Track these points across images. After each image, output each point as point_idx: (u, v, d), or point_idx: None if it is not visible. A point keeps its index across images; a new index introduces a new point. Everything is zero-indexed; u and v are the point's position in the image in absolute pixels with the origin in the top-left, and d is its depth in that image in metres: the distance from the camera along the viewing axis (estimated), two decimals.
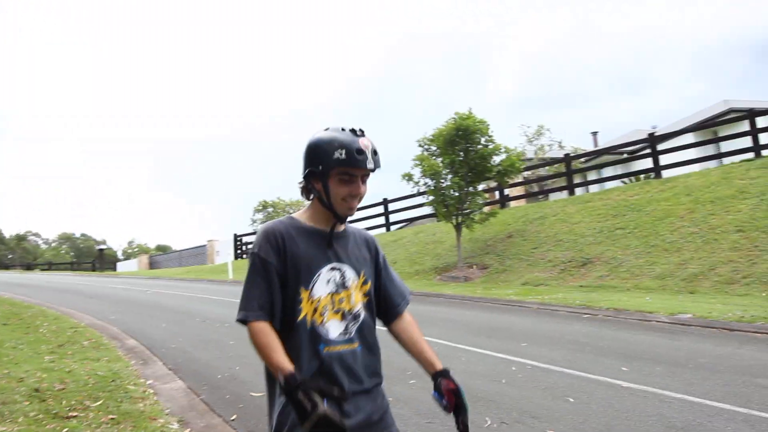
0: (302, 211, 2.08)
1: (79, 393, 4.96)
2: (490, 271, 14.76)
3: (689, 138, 17.65)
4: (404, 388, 5.22)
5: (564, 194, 19.53)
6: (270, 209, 40.05)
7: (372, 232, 23.96)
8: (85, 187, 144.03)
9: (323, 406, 1.63)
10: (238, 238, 33.97)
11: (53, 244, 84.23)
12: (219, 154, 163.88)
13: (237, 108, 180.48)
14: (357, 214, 24.36)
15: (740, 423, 4.09)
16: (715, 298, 9.33)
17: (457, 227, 15.69)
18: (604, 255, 12.86)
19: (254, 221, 40.32)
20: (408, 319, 2.22)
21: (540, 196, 22.32)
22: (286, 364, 1.77)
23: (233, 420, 4.48)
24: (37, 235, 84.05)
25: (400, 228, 24.78)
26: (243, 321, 1.87)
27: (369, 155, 1.91)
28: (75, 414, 4.39)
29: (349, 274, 2.03)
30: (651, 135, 17.11)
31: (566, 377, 5.45)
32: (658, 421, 4.19)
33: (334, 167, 1.89)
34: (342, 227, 2.09)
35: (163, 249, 71.82)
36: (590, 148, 30.99)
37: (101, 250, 50.18)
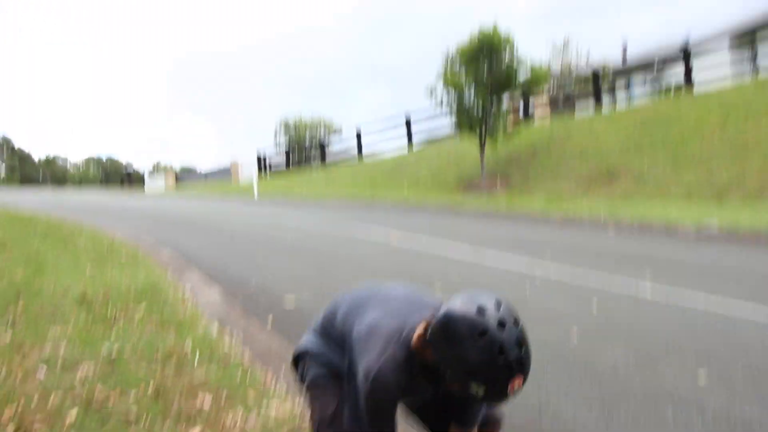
0: None
1: (122, 300, 5.26)
2: (513, 186, 14.81)
3: (724, 49, 16.94)
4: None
5: (591, 109, 19.15)
6: (292, 130, 40.00)
7: (395, 150, 23.99)
8: (108, 110, 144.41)
9: None
10: (262, 158, 34.20)
11: (81, 167, 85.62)
12: (237, 72, 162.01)
13: (249, 22, 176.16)
14: (380, 132, 24.33)
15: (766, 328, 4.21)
16: (744, 209, 9.28)
17: (481, 143, 15.61)
18: (630, 168, 12.78)
19: (278, 144, 40.35)
20: None
21: (566, 112, 21.93)
22: None
23: (269, 324, 4.76)
24: (65, 159, 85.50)
25: (424, 144, 24.70)
26: None
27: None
28: (121, 319, 4.68)
29: None
30: (684, 46, 16.46)
31: (590, 287, 5.60)
32: (680, 327, 4.34)
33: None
34: None
35: (188, 170, 72.72)
36: (619, 61, 29.99)
37: (129, 173, 50.89)
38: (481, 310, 1.59)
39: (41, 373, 3.45)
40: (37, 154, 79.00)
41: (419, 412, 2.06)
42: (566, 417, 2.97)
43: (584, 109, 20.01)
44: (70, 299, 5.25)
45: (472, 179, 16.39)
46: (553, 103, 22.01)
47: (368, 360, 1.74)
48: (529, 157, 16.03)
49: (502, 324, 1.58)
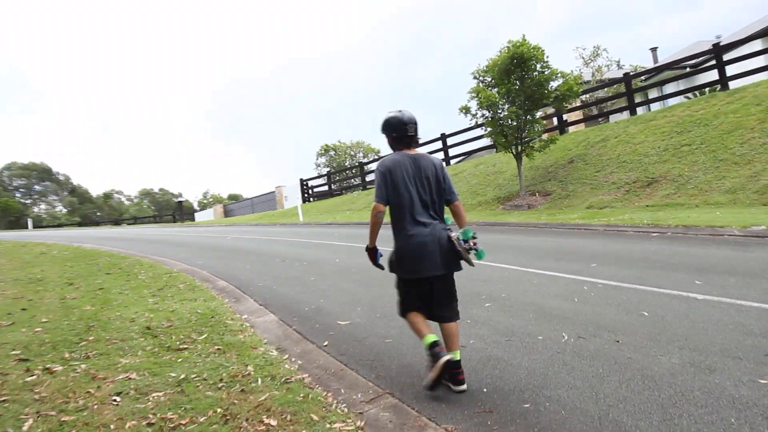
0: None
1: (184, 329, 5.48)
2: (553, 198, 14.72)
3: (757, 45, 16.65)
4: (481, 311, 5.49)
5: (625, 115, 18.94)
6: (332, 152, 40.60)
7: None
8: (159, 144, 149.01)
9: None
10: (305, 183, 34.73)
11: (135, 200, 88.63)
12: (273, 98, 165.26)
13: (281, 50, 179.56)
14: (418, 151, 24.41)
15: None
16: None
17: (517, 156, 15.61)
18: (670, 173, 12.58)
19: (318, 165, 41.05)
20: (455, 207, 3.90)
21: (600, 119, 21.73)
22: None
23: (326, 346, 4.88)
24: (120, 192, 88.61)
25: (460, 161, 24.75)
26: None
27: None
28: (185, 346, 4.88)
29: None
30: (715, 45, 16.20)
31: (638, 293, 5.58)
32: (735, 329, 4.29)
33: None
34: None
35: (234, 197, 74.48)
36: (650, 65, 29.59)
37: (180, 202, 52.67)
38: (398, 112, 3.87)
39: (116, 402, 3.65)
40: (95, 190, 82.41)
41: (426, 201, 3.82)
42: (627, 426, 2.98)
43: (618, 114, 19.79)
44: (136, 330, 5.50)
45: (511, 193, 16.36)
46: (587, 111, 21.84)
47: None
48: (567, 167, 15.93)
49: (400, 112, 3.85)
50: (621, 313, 4.98)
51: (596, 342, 4.31)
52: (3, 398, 3.77)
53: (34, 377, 4.19)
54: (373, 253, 4.00)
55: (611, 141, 15.71)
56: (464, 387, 3.63)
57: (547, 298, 5.74)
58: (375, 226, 3.84)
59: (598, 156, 15.39)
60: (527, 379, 3.73)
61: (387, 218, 3.79)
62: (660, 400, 3.26)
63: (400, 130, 3.79)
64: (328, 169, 40.30)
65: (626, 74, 17.69)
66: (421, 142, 21.99)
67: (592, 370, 3.78)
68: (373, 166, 31.80)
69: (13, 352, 4.91)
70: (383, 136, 3.92)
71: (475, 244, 3.71)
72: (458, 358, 3.68)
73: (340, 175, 37.49)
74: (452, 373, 3.62)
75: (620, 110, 18.73)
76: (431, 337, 3.61)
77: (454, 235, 3.75)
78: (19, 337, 5.42)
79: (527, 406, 3.35)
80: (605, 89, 22.80)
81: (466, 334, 4.81)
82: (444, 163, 3.73)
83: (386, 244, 4.04)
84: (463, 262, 3.83)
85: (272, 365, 4.31)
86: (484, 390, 3.63)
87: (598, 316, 4.98)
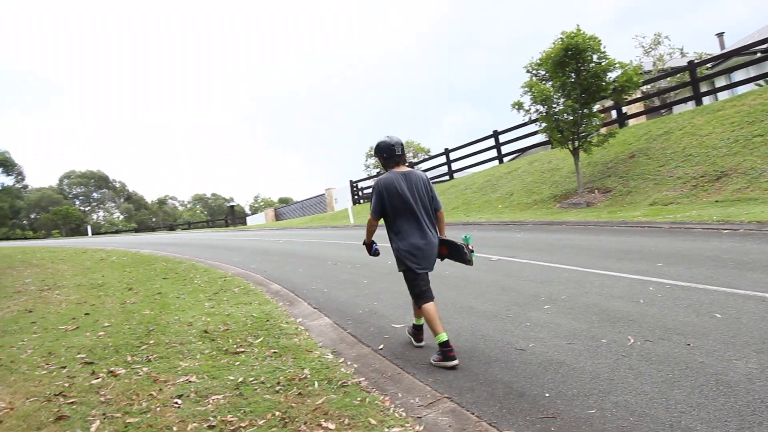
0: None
1: (240, 332, 5.56)
2: (613, 194, 14.23)
3: None
4: (540, 313, 5.33)
5: (690, 105, 18.14)
6: None
7: (484, 165, 23.73)
8: (211, 148, 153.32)
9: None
10: (354, 184, 34.93)
11: (188, 205, 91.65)
12: (322, 104, 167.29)
13: (327, 58, 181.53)
14: (469, 149, 24.22)
15: None
16: None
17: (574, 152, 15.17)
18: (740, 166, 11.94)
19: (367, 166, 41.25)
20: (440, 215, 4.69)
21: (663, 111, 20.90)
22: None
23: (381, 349, 4.83)
24: (174, 198, 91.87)
25: (513, 159, 24.32)
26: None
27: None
28: (242, 350, 4.93)
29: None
30: None
31: (710, 294, 5.29)
32: None
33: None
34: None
35: (285, 201, 75.95)
36: (716, 51, 28.30)
37: (231, 206, 53.82)
38: (387, 137, 4.61)
39: (177, 404, 3.71)
40: (149, 197, 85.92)
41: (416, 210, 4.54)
42: None
43: (682, 104, 18.96)
44: (194, 333, 5.61)
45: (569, 190, 15.93)
46: (648, 102, 21.06)
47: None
48: (628, 162, 15.37)
49: (389, 137, 4.60)
50: (691, 315, 4.72)
51: (665, 345, 4.10)
52: (71, 400, 3.90)
53: (99, 380, 4.33)
54: (369, 246, 4.89)
55: (676, 133, 15.05)
56: (456, 362, 4.20)
57: (610, 300, 5.51)
58: (370, 232, 4.79)
59: (661, 150, 14.78)
60: (591, 384, 3.58)
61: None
62: (737, 406, 3.06)
63: (389, 152, 4.59)
64: (378, 170, 40.37)
65: (690, 62, 16.91)
66: (471, 140, 21.58)
67: (662, 374, 3.59)
68: (423, 165, 31.74)
69: (79, 356, 5.09)
70: (376, 158, 4.94)
71: (472, 248, 4.60)
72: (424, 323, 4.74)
73: None
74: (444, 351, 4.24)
75: (684, 100, 17.91)
76: (444, 336, 4.25)
77: (460, 241, 4.60)
78: (84, 341, 5.62)
79: (593, 411, 3.20)
80: (668, 79, 21.89)
81: (525, 337, 4.67)
82: (429, 178, 4.72)
83: (384, 243, 4.91)
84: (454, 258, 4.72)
85: (328, 369, 4.30)
86: (546, 395, 3.50)
87: (666, 318, 4.74)
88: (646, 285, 5.90)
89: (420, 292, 4.48)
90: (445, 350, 4.20)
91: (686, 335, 4.25)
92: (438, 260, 4.67)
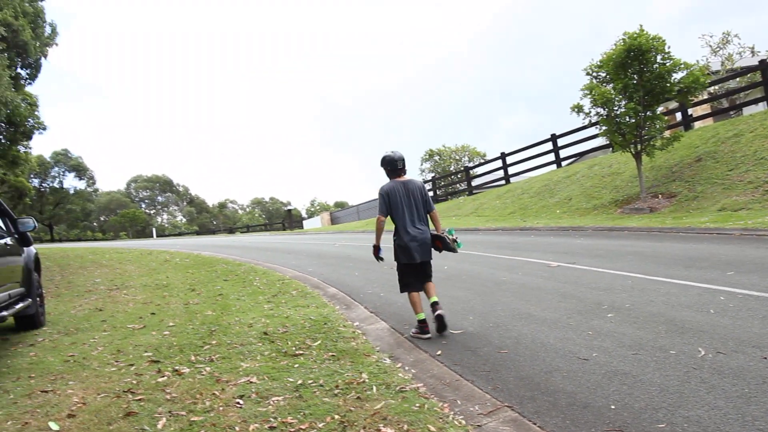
0: None
1: (299, 335, 5.63)
2: (678, 200, 13.70)
3: None
4: (603, 322, 5.17)
5: (761, 106, 17.26)
6: (437, 157, 40.54)
7: (542, 170, 23.33)
8: (269, 152, 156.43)
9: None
10: None
11: (248, 209, 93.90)
12: (379, 110, 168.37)
13: (385, 63, 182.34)
14: (526, 153, 23.87)
15: None
16: None
17: (637, 156, 14.69)
18: None
19: (422, 171, 41.13)
20: (433, 214, 5.78)
21: (732, 112, 19.95)
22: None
23: (439, 355, 4.79)
24: (234, 202, 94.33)
25: (572, 163, 23.77)
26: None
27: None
28: (301, 352, 5.00)
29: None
30: None
31: None
32: None
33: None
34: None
35: (341, 205, 76.77)
36: None
37: (289, 210, 54.76)
38: (392, 152, 5.75)
39: (239, 405, 3.79)
40: (210, 200, 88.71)
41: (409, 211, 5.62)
42: None
43: (753, 106, 18.06)
44: (254, 335, 5.73)
45: (630, 195, 15.44)
46: (716, 104, 20.18)
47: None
48: (694, 166, 14.76)
49: (393, 152, 5.73)
50: (767, 327, 4.48)
51: (739, 358, 3.89)
52: (139, 397, 4.04)
53: (165, 378, 4.47)
54: (376, 249, 5.83)
55: (746, 136, 14.36)
56: (430, 335, 5.33)
57: (677, 309, 5.29)
58: (379, 231, 5.81)
59: (730, 153, 14.13)
60: (660, 397, 3.43)
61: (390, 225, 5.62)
62: None
63: (392, 165, 5.71)
64: (433, 174, 40.17)
65: (762, 61, 16.07)
66: (530, 144, 21.25)
67: (736, 389, 3.41)
68: (479, 170, 31.54)
69: (146, 354, 5.28)
70: (381, 169, 5.80)
71: (456, 239, 5.74)
72: (437, 299, 5.49)
73: (445, 180, 37.18)
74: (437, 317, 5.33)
75: (756, 101, 17.07)
76: (422, 315, 5.42)
77: (444, 233, 5.71)
78: (150, 340, 5.83)
79: (662, 426, 3.07)
80: (737, 79, 20.87)
81: (588, 347, 4.53)
82: (424, 184, 6.14)
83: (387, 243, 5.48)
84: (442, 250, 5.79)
85: (386, 373, 4.30)
86: (612, 407, 3.38)
87: (740, 329, 4.50)
88: (716, 294, 5.64)
89: (407, 283, 5.64)
90: (422, 326, 5.35)
91: (762, 348, 4.03)
92: (436, 252, 5.77)
